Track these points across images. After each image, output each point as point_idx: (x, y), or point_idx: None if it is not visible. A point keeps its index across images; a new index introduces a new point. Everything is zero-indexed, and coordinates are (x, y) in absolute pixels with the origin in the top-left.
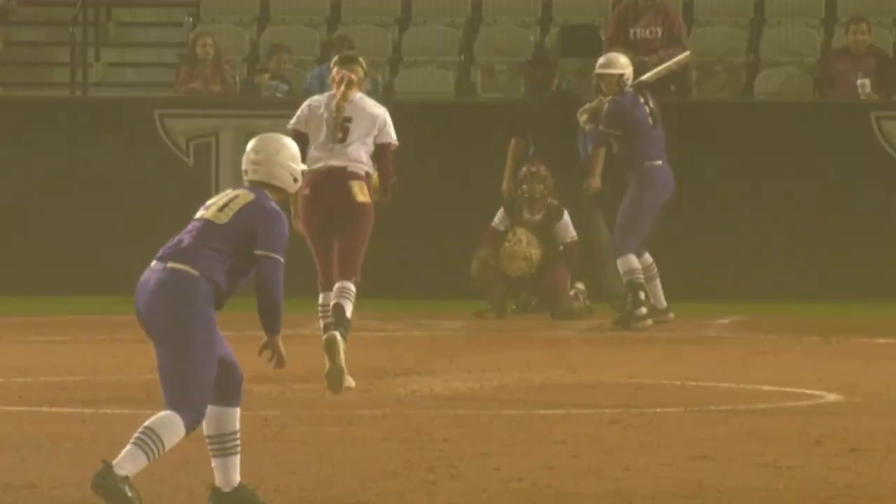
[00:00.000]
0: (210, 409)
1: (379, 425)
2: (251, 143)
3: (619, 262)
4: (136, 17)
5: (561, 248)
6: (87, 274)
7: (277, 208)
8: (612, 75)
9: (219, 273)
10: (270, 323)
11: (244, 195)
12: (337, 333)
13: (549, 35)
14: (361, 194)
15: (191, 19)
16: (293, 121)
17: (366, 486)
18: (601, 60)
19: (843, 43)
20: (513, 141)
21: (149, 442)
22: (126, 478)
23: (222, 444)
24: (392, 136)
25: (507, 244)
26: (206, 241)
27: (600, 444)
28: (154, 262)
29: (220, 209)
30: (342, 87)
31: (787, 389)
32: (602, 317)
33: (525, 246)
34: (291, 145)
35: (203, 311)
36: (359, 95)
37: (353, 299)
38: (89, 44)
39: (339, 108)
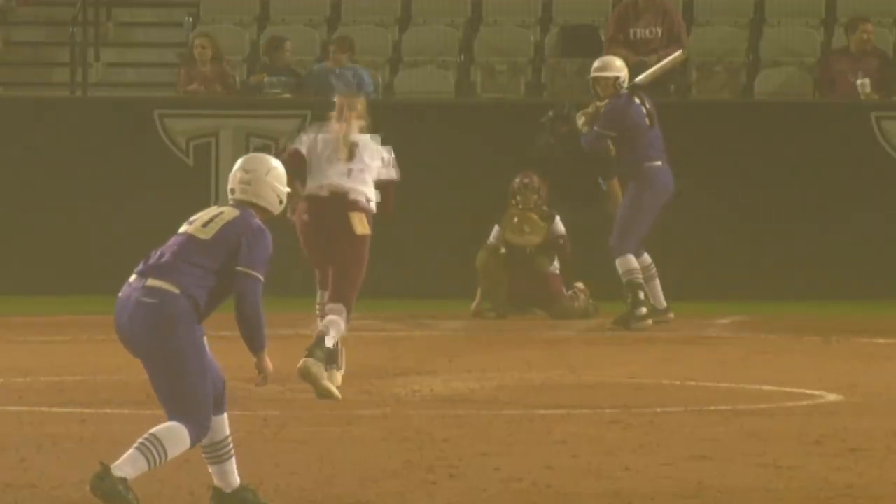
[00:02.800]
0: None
1: (379, 425)
2: (240, 162)
3: (617, 262)
4: (136, 17)
5: (555, 243)
6: (87, 274)
7: (263, 226)
8: (607, 78)
9: (198, 290)
10: (252, 341)
11: (229, 212)
12: (309, 360)
13: (549, 35)
14: (361, 227)
15: (191, 19)
16: (296, 141)
17: (366, 486)
18: (596, 64)
19: (843, 43)
20: None
21: (152, 449)
22: (124, 479)
23: (216, 452)
24: (396, 174)
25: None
26: (188, 256)
27: (600, 444)
28: (133, 278)
29: (205, 224)
30: (345, 112)
31: (787, 389)
32: (602, 317)
33: (529, 220)
34: (280, 167)
35: (187, 328)
36: (366, 136)
37: (339, 331)
38: (89, 44)
39: (346, 135)
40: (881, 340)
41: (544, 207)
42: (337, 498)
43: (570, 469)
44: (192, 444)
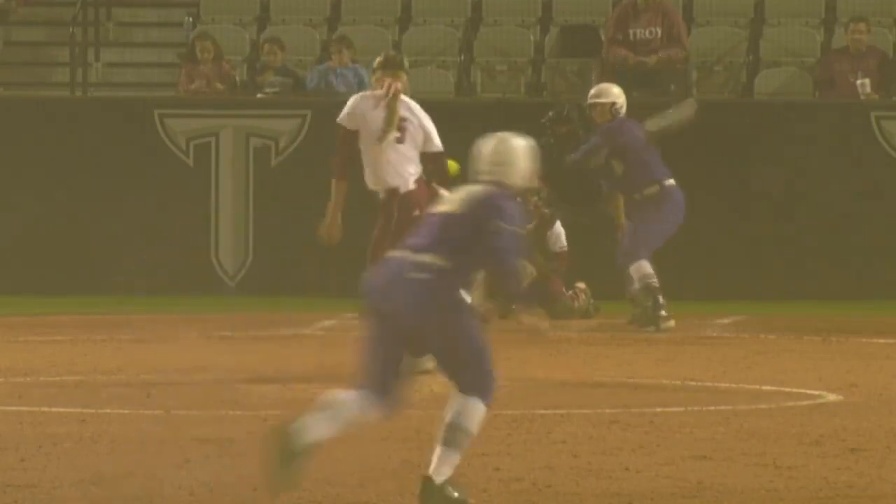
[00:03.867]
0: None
1: (379, 425)
2: (488, 145)
3: (631, 267)
4: (136, 17)
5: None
6: (87, 274)
7: (509, 195)
8: (604, 104)
9: (462, 260)
10: (515, 296)
11: (477, 187)
12: None
13: (549, 35)
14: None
15: (191, 19)
16: (343, 119)
17: (366, 486)
18: (592, 91)
19: (843, 43)
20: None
21: (458, 438)
22: (446, 483)
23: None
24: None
25: None
26: (447, 231)
27: (600, 444)
28: (394, 256)
29: (456, 200)
30: (390, 96)
31: (787, 389)
32: (602, 317)
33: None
34: (527, 146)
35: (459, 298)
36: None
37: None
38: (89, 44)
39: (389, 124)
40: (881, 340)
41: (545, 210)
42: (337, 498)
43: (570, 469)
44: (488, 403)
